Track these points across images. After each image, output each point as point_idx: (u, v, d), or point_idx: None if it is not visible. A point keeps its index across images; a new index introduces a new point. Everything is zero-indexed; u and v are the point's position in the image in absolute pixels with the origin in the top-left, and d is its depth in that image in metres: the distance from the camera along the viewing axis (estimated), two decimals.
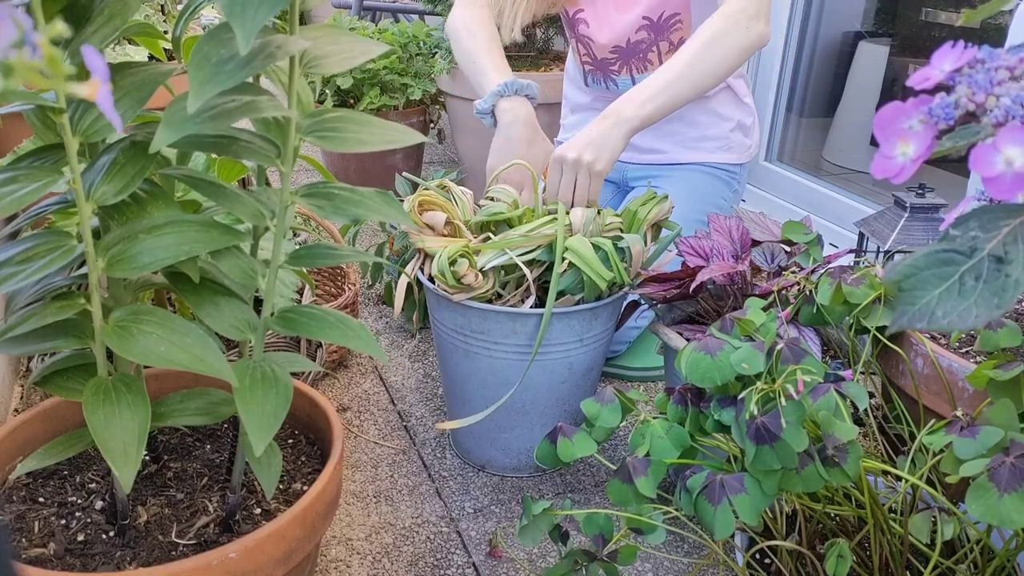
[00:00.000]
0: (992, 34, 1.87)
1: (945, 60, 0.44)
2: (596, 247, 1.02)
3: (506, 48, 1.37)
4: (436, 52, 2.20)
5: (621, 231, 1.09)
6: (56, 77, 0.41)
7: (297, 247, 0.75)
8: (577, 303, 1.04)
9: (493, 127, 1.26)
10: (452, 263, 1.01)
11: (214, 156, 1.01)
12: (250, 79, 0.65)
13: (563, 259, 1.01)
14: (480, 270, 1.01)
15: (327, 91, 2.12)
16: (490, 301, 1.04)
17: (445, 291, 1.03)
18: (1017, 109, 0.40)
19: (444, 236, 1.08)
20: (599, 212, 1.08)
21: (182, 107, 0.56)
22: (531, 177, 1.19)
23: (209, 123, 0.59)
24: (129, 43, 1.68)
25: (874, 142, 0.45)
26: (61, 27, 0.42)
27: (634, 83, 1.45)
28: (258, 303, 1.07)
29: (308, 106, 0.71)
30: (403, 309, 1.55)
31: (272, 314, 0.74)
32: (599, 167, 1.12)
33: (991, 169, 0.39)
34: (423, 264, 1.10)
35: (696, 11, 1.38)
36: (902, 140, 0.43)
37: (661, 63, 1.42)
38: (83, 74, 0.44)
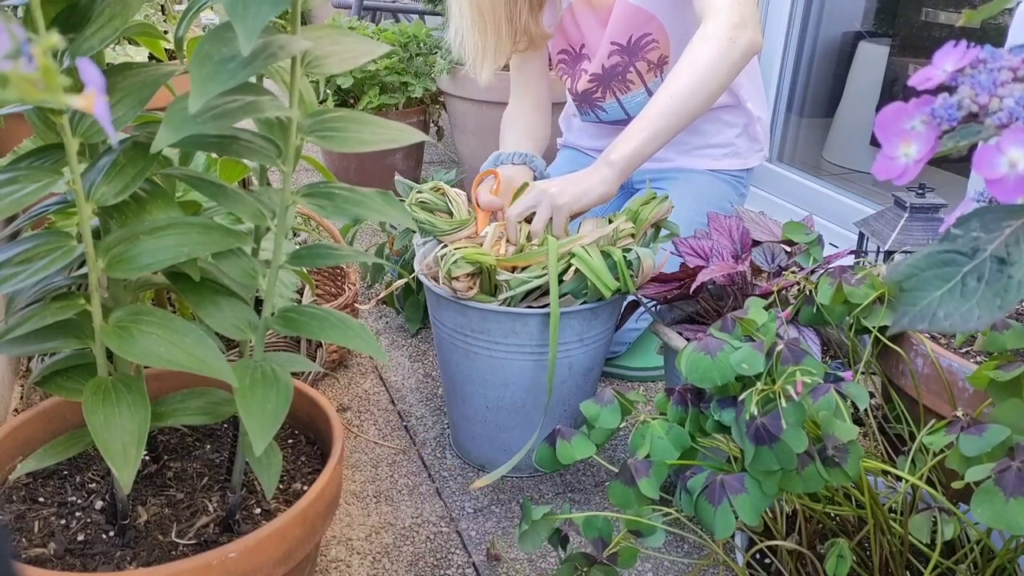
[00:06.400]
0: (992, 34, 1.87)
1: (947, 60, 0.43)
2: (606, 255, 1.02)
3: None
4: (436, 52, 2.20)
5: (633, 236, 1.09)
6: (51, 89, 0.41)
7: (297, 247, 0.75)
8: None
9: None
10: (455, 263, 1.01)
11: (214, 156, 1.01)
12: (253, 79, 0.65)
13: (570, 266, 1.02)
14: (507, 297, 1.03)
15: (328, 91, 2.12)
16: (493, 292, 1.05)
17: (448, 288, 1.03)
18: (1021, 111, 0.39)
19: (472, 238, 1.10)
20: (610, 221, 1.08)
21: (183, 107, 0.56)
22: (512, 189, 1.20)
23: (211, 123, 0.59)
24: (130, 43, 1.68)
25: (874, 142, 0.45)
26: (56, 39, 0.41)
27: (621, 105, 1.46)
28: (258, 303, 1.07)
29: (311, 106, 0.71)
30: (403, 308, 1.56)
31: (272, 314, 0.74)
32: (562, 200, 1.10)
33: (994, 171, 0.39)
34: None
35: (672, 29, 1.36)
36: (904, 141, 0.43)
37: (644, 83, 1.41)
38: (80, 83, 0.44)
